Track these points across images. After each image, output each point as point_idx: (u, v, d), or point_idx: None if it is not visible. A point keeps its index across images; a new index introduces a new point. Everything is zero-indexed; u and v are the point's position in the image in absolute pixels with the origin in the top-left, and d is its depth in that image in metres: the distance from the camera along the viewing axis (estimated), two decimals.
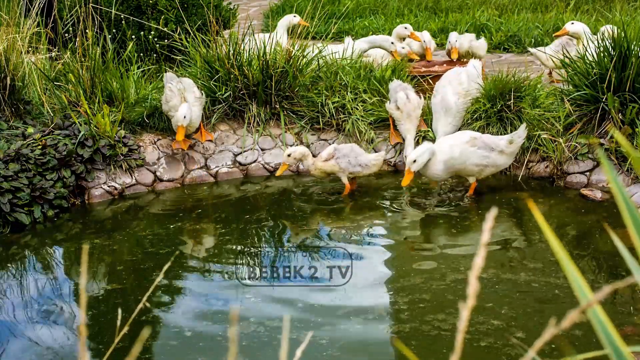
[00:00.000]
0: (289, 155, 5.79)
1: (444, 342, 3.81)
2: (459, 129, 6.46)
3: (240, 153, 6.57)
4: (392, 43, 7.17)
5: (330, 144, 6.67)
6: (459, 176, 5.79)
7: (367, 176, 5.99)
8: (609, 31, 6.34)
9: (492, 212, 1.11)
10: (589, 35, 6.88)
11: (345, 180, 5.83)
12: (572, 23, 7.25)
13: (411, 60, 7.55)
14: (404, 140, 6.32)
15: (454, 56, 7.43)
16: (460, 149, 5.47)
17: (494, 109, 6.19)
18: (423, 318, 4.03)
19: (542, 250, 4.86)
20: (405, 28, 7.81)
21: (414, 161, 5.39)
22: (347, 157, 5.79)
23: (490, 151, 5.48)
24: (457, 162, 5.50)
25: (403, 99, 6.26)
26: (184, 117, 6.04)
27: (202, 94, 6.41)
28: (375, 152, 6.41)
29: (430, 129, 6.40)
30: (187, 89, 6.25)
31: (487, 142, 5.52)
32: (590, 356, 1.65)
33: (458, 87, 6.29)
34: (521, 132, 5.50)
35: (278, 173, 5.90)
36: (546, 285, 4.39)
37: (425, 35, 8.06)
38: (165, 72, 6.84)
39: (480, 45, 7.74)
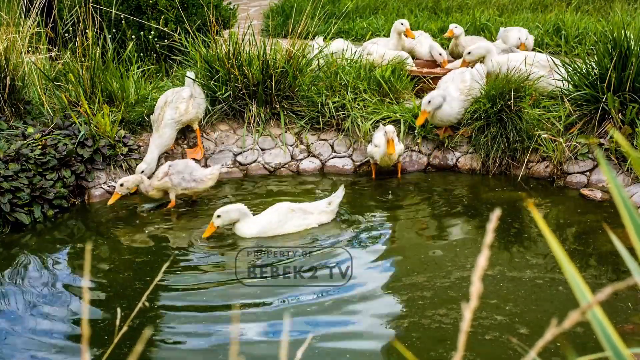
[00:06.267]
0: (121, 185, 5.67)
1: (447, 334, 3.82)
2: (456, 128, 6.48)
3: (240, 153, 6.57)
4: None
5: (329, 144, 6.67)
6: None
7: (203, 191, 5.85)
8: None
9: (496, 213, 1.11)
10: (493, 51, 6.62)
11: (172, 196, 5.75)
12: (469, 53, 6.67)
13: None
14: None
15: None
16: (274, 224, 5.21)
17: (494, 109, 6.19)
18: (424, 313, 4.04)
19: (546, 248, 4.88)
20: (402, 24, 8.08)
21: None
22: (181, 174, 5.72)
23: (310, 215, 5.30)
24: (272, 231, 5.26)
25: (380, 139, 6.09)
26: (142, 171, 5.94)
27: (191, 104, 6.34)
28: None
29: None
30: (173, 102, 6.22)
31: (305, 209, 5.32)
32: (590, 358, 1.65)
33: (460, 84, 6.36)
34: (339, 193, 5.39)
35: (110, 202, 5.67)
36: (550, 281, 4.40)
37: (433, 45, 8.15)
38: (166, 72, 6.84)
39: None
